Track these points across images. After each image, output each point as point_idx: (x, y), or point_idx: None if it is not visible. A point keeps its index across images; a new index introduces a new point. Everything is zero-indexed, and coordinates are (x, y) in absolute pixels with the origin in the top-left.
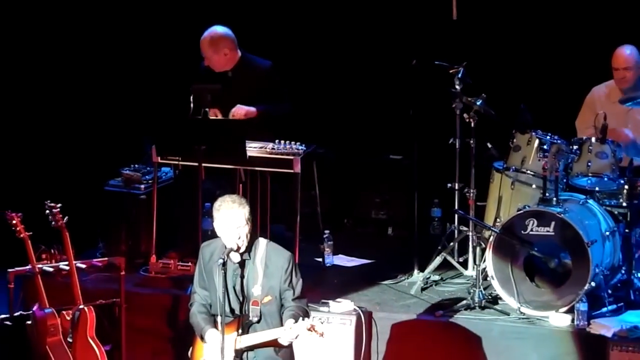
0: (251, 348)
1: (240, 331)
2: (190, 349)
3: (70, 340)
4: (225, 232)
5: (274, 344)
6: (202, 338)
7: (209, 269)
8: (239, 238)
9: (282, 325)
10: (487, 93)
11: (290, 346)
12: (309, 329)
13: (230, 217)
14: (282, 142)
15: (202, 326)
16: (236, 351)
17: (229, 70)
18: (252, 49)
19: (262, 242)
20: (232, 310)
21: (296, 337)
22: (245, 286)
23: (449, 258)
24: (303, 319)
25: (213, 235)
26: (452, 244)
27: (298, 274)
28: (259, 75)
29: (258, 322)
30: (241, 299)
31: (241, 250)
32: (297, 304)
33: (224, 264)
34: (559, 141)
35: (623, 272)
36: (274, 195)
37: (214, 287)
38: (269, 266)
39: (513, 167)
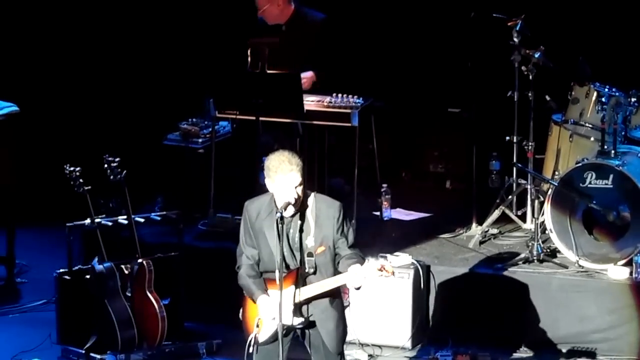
0: (308, 301)
1: (297, 284)
2: (241, 310)
3: (129, 293)
4: (283, 192)
5: (329, 294)
6: (254, 302)
7: (257, 227)
8: (297, 196)
9: (336, 275)
10: (545, 45)
11: (341, 298)
12: (380, 269)
13: (290, 179)
14: (340, 95)
15: (254, 291)
16: (296, 305)
17: (283, 24)
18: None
19: (309, 194)
20: (287, 265)
21: (364, 280)
22: (299, 239)
23: (508, 211)
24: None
25: None
26: (510, 197)
27: (349, 222)
28: (312, 29)
29: (314, 273)
30: (296, 252)
31: (297, 207)
32: (353, 251)
33: (282, 218)
34: (617, 93)
35: None
36: (331, 149)
37: (265, 244)
38: (320, 216)
39: (572, 120)
